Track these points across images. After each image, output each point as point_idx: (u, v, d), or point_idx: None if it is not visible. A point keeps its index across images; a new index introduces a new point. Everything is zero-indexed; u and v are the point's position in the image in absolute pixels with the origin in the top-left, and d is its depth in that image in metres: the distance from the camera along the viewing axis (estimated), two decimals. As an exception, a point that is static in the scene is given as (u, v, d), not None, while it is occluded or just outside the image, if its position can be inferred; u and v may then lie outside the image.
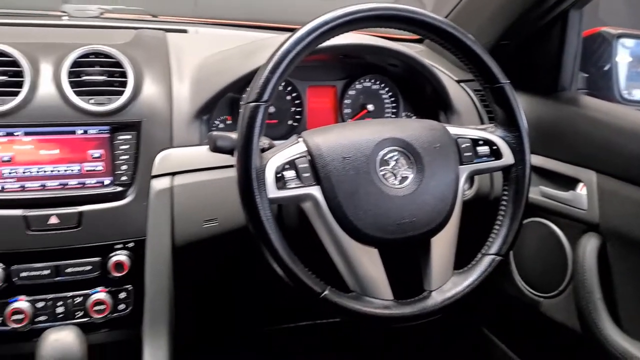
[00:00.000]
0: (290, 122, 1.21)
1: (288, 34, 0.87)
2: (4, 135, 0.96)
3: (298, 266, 0.85)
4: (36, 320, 0.99)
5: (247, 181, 0.82)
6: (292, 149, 0.87)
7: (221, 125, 1.16)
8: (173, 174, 1.04)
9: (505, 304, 1.41)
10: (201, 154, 1.06)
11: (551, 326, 1.25)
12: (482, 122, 1.27)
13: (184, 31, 1.36)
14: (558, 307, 1.23)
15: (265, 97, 0.83)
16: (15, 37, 1.05)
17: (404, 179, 0.90)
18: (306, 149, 0.88)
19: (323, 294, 0.85)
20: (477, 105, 1.27)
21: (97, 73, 1.02)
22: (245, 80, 1.04)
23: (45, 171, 0.98)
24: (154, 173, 1.03)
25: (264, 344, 1.68)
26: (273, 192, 0.83)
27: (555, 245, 1.22)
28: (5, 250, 0.96)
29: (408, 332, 1.65)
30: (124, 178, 1.01)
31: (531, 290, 1.30)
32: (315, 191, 0.86)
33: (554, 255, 1.23)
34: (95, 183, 1.01)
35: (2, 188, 0.96)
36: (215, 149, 0.92)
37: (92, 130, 1.00)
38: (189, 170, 1.05)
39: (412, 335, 1.67)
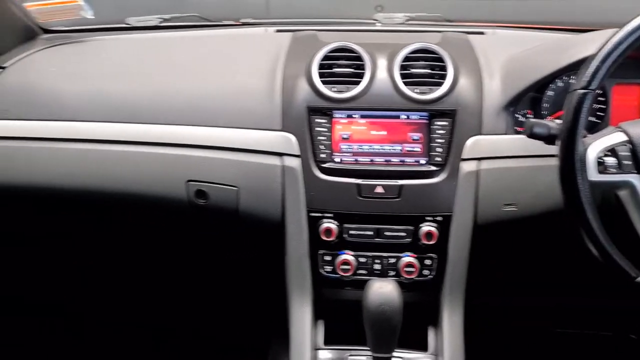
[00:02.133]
0: (591, 118, 1.23)
1: (612, 30, 0.91)
2: (345, 117, 1.17)
3: (613, 249, 0.89)
4: (358, 272, 1.18)
5: (570, 163, 0.88)
6: (613, 137, 0.91)
7: (521, 119, 1.23)
8: (480, 159, 1.15)
9: None
10: (507, 142, 1.15)
11: None
12: None
13: (482, 33, 1.47)
14: None
15: (594, 85, 0.88)
16: (348, 39, 1.27)
17: None
18: (627, 138, 0.91)
19: (638, 278, 0.88)
20: None
21: (422, 67, 1.17)
22: (564, 72, 1.11)
23: (374, 149, 1.17)
24: (463, 156, 1.15)
25: None
26: (594, 175, 0.89)
27: None
28: (340, 211, 1.16)
29: None
30: (437, 159, 1.15)
31: None
32: (635, 179, 0.89)
33: None
34: (412, 162, 1.16)
35: (341, 160, 1.17)
36: (532, 135, 1.00)
37: (414, 116, 1.16)
38: (495, 156, 1.15)
39: None
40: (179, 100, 1.25)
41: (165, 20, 1.59)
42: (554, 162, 0.98)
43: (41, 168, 1.28)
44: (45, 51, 1.44)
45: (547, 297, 1.60)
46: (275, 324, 1.34)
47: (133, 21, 1.59)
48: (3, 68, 1.35)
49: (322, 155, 1.16)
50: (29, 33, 1.50)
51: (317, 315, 1.22)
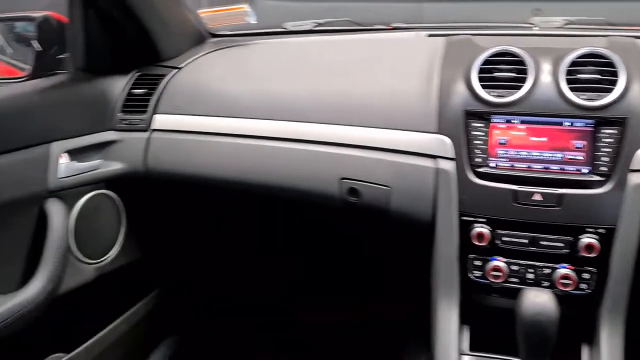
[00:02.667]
0: None
1: None
2: (503, 122, 1.15)
3: None
4: (509, 280, 1.16)
5: None
6: None
7: None
8: None
9: None
10: None
11: None
12: None
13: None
14: None
15: None
16: (505, 44, 1.25)
17: None
18: None
19: None
20: None
21: (590, 72, 1.13)
22: None
23: (532, 155, 1.14)
24: (632, 167, 1.08)
25: None
26: None
27: None
28: (494, 217, 1.15)
29: None
30: (603, 169, 1.10)
31: None
32: None
33: None
34: (574, 170, 1.12)
35: (496, 165, 1.16)
36: None
37: (578, 123, 1.12)
38: None
39: None
40: (335, 100, 1.30)
41: (320, 24, 1.67)
42: None
43: (205, 159, 1.39)
44: (214, 54, 1.56)
45: None
46: (416, 327, 1.35)
47: (290, 26, 1.68)
48: (179, 69, 1.50)
49: (478, 160, 1.16)
50: (199, 37, 1.64)
51: (463, 320, 1.21)
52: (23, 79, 1.49)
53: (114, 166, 1.45)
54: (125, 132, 1.45)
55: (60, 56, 1.48)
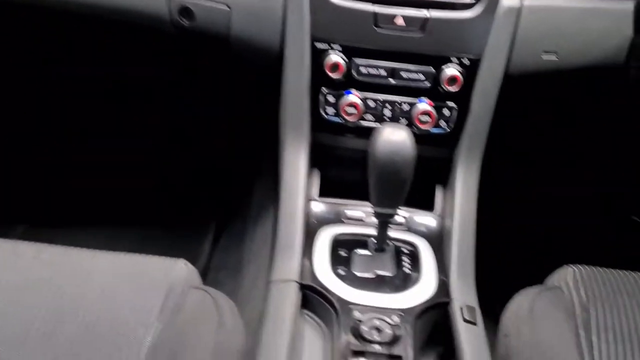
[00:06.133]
0: None
1: None
2: None
3: None
4: (364, 117, 1.02)
5: None
6: None
7: None
8: None
9: None
10: None
11: None
12: None
13: None
14: None
15: None
16: None
17: None
18: None
19: None
20: None
21: None
22: None
23: None
24: None
25: None
26: None
27: None
28: (351, 44, 0.98)
29: None
30: None
31: None
32: None
33: None
34: None
35: None
36: None
37: None
38: None
39: None
40: None
41: None
42: (612, 5, 0.80)
43: None
44: None
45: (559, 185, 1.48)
46: (265, 165, 1.20)
47: None
48: None
49: None
50: None
51: (313, 163, 1.08)
52: None
53: None
54: None
55: None
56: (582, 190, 1.51)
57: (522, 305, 0.84)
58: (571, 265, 0.89)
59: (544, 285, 0.90)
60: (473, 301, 0.92)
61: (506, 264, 1.36)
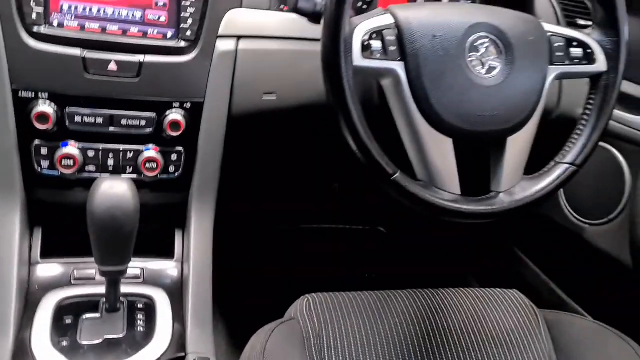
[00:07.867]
0: (359, 4, 1.13)
1: None
2: (65, -32, 0.88)
3: (373, 144, 0.80)
4: (86, 169, 0.95)
5: (335, 44, 0.75)
6: (380, 19, 0.81)
7: None
8: (239, 37, 0.97)
9: (543, 227, 1.39)
10: (270, 21, 0.99)
11: (593, 254, 1.23)
12: None
13: None
14: (605, 235, 1.20)
15: None
16: None
17: (492, 69, 0.83)
18: (394, 21, 0.81)
19: (394, 176, 0.81)
20: (557, 10, 1.19)
21: None
22: None
23: (107, 13, 0.91)
24: (220, 33, 0.96)
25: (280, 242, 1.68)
26: (358, 60, 0.77)
27: (614, 171, 1.18)
28: (60, 92, 0.91)
29: (437, 243, 1.65)
30: (188, 33, 0.95)
31: (577, 216, 1.27)
32: (398, 68, 0.80)
33: (609, 182, 1.19)
34: (157, 34, 0.94)
35: (61, 24, 0.90)
36: (296, 9, 0.85)
37: None
38: (256, 35, 0.98)
39: (440, 248, 1.67)
40: None
41: None
42: (319, 47, 0.85)
43: None
44: None
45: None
46: None
47: None
48: None
49: (33, 17, 0.88)
50: None
51: (34, 221, 0.97)
52: None
53: None
54: None
55: None
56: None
57: (255, 346, 0.85)
58: (307, 295, 0.93)
59: (282, 318, 0.93)
60: (210, 351, 0.91)
61: (252, 302, 1.37)
